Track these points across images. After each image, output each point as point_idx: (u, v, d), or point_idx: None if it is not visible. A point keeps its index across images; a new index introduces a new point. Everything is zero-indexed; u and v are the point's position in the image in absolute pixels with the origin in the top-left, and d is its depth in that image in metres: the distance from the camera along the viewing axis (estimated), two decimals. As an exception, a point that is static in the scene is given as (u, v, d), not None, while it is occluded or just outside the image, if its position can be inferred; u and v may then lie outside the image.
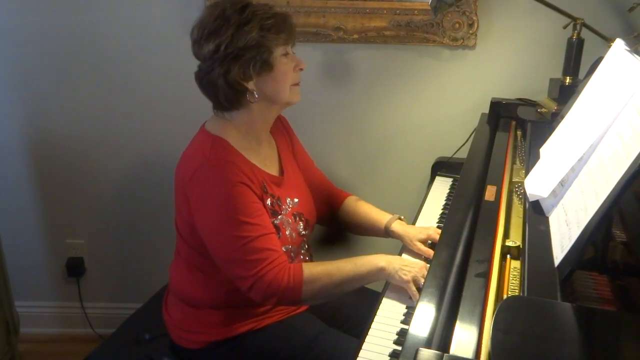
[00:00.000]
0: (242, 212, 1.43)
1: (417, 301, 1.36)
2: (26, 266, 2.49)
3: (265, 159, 1.60)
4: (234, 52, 1.45)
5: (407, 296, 1.44)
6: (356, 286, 1.50)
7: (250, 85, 1.48)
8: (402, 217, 1.74)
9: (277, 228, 1.54)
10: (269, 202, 1.53)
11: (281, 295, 1.43)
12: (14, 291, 2.22)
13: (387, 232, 1.71)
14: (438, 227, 1.73)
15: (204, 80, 1.51)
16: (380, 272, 1.47)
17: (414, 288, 1.42)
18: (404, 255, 1.60)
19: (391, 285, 1.48)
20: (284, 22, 1.50)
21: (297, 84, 1.56)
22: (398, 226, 1.69)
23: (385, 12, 2.13)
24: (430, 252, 1.58)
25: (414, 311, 1.20)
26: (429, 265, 1.46)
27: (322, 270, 1.47)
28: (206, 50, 1.47)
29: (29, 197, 2.43)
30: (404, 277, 1.43)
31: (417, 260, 1.55)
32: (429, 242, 1.63)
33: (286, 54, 1.51)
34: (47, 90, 2.28)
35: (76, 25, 2.20)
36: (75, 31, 2.20)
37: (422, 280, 1.41)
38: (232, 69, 1.46)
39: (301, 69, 1.55)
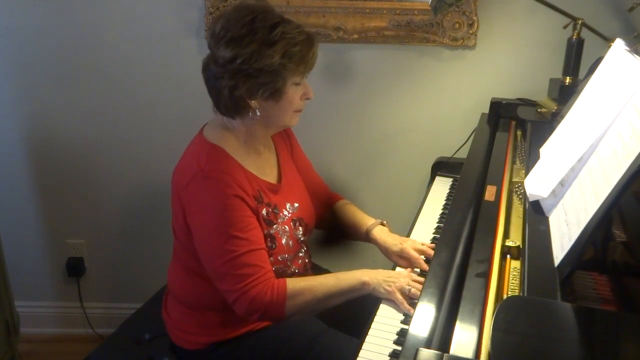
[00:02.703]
0: (233, 225, 1.41)
1: (407, 309, 1.37)
2: (26, 266, 2.49)
3: (264, 166, 1.58)
4: (249, 70, 1.39)
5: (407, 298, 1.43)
6: (340, 301, 1.48)
7: (254, 104, 1.45)
8: (385, 222, 1.71)
9: (273, 238, 1.52)
10: (264, 212, 1.51)
11: (264, 310, 1.42)
12: (14, 291, 2.22)
13: (367, 237, 1.69)
14: (437, 227, 1.73)
15: (210, 82, 1.47)
16: (363, 286, 1.45)
17: (400, 297, 1.40)
18: (398, 268, 1.58)
19: None
20: (308, 49, 1.44)
21: (299, 111, 1.53)
22: (377, 233, 1.67)
23: (385, 12, 2.13)
24: (406, 266, 1.56)
25: (413, 311, 1.20)
26: (413, 272, 1.46)
27: (305, 285, 1.46)
28: (221, 54, 1.40)
29: (29, 197, 2.43)
30: (387, 288, 1.42)
31: (402, 271, 1.53)
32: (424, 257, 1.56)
33: (298, 83, 1.47)
34: (47, 90, 2.28)
35: (76, 26, 2.20)
36: (75, 31, 2.20)
37: (408, 288, 1.41)
38: (241, 85, 1.41)
39: (308, 99, 1.52)
